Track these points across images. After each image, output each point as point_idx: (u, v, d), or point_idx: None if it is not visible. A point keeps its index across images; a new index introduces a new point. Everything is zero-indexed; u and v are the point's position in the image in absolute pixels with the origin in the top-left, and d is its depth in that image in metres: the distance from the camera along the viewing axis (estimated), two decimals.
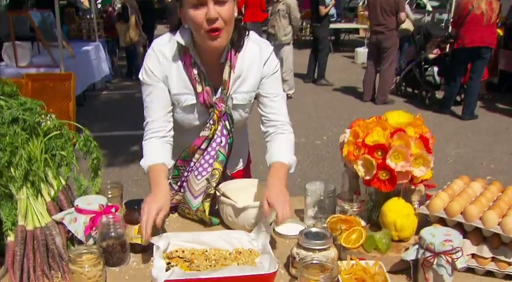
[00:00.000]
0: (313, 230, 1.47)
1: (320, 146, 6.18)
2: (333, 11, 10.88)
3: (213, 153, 1.80)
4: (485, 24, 6.79)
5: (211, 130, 1.80)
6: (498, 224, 1.43)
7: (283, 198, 1.58)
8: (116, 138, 6.19)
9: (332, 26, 13.02)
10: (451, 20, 8.17)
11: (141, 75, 1.81)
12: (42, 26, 6.89)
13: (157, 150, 1.77)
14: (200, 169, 1.79)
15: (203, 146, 1.80)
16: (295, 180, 4.82)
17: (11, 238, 1.46)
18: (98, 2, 12.53)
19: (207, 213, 1.76)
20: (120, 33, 9.80)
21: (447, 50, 8.20)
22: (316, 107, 8.13)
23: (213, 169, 1.78)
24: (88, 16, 10.01)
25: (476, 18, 6.79)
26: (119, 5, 9.71)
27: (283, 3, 8.19)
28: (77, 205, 1.53)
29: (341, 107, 8.19)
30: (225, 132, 1.81)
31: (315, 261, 1.32)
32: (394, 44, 8.11)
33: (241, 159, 2.09)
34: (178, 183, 1.86)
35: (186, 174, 1.84)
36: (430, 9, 14.62)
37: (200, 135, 1.81)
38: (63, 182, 1.64)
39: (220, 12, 1.61)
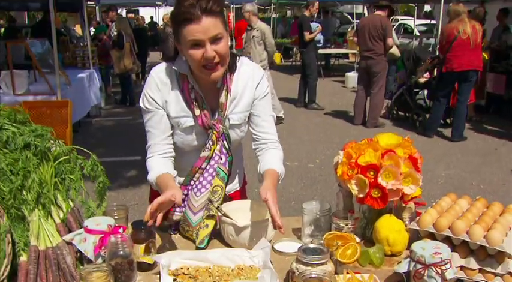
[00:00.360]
0: (311, 246, 1.53)
1: (313, 169, 6.27)
2: (319, 37, 11.06)
3: (211, 170, 1.89)
4: (472, 47, 6.96)
5: (210, 150, 1.89)
6: (484, 237, 1.50)
7: (275, 199, 1.71)
8: (112, 164, 6.22)
9: (322, 51, 13.26)
10: (438, 46, 8.34)
11: (142, 102, 1.92)
12: (38, 54, 7.01)
13: (160, 164, 1.89)
14: (199, 186, 1.88)
15: (203, 166, 1.90)
16: (289, 203, 4.89)
17: (23, 258, 1.52)
18: (91, 29, 12.66)
19: (210, 228, 1.82)
20: (115, 61, 9.90)
21: (435, 73, 8.37)
22: (308, 131, 8.24)
23: (214, 186, 1.86)
24: (82, 44, 10.15)
25: (463, 43, 6.97)
26: (115, 33, 9.83)
27: (257, 30, 8.13)
28: (86, 226, 1.60)
29: (332, 131, 8.31)
30: (224, 151, 1.91)
31: (313, 275, 1.38)
32: (383, 69, 8.28)
33: (237, 180, 2.17)
34: None
35: (186, 192, 1.92)
36: (418, 33, 14.95)
37: (201, 156, 1.91)
38: (72, 205, 1.71)
39: (217, 50, 1.73)
